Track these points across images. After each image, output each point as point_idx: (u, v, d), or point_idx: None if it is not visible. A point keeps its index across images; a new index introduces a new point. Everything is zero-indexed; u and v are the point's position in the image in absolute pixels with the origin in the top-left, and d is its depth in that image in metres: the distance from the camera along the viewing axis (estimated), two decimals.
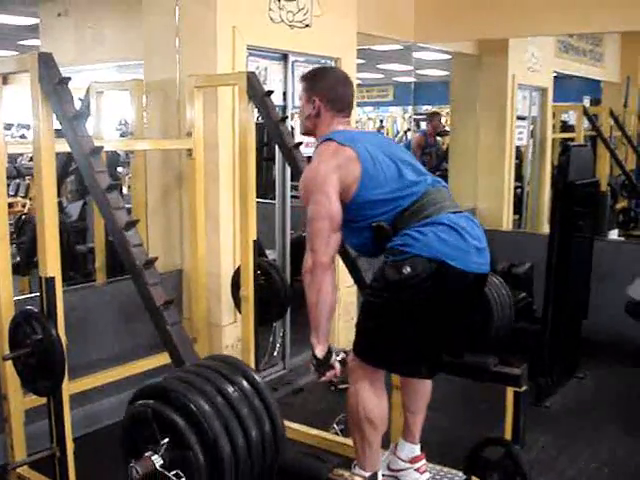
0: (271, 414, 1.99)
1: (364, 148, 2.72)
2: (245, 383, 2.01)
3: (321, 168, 2.68)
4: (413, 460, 3.07)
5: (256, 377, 2.05)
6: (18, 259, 5.78)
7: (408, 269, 2.54)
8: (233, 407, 1.92)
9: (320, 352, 2.74)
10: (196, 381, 1.97)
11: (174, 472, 1.86)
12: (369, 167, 2.67)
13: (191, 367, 2.14)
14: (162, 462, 1.87)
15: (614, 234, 7.30)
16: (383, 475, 3.05)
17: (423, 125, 16.48)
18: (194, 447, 1.83)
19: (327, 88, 2.90)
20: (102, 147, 2.72)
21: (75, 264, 5.79)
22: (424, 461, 3.10)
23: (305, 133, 3.02)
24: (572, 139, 8.30)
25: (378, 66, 14.09)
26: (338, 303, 5.24)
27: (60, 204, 5.82)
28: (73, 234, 6.02)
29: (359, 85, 9.50)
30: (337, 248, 2.73)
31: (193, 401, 1.88)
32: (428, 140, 9.75)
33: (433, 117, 10.02)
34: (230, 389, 1.96)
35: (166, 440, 1.86)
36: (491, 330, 3.65)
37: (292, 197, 5.08)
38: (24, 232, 5.97)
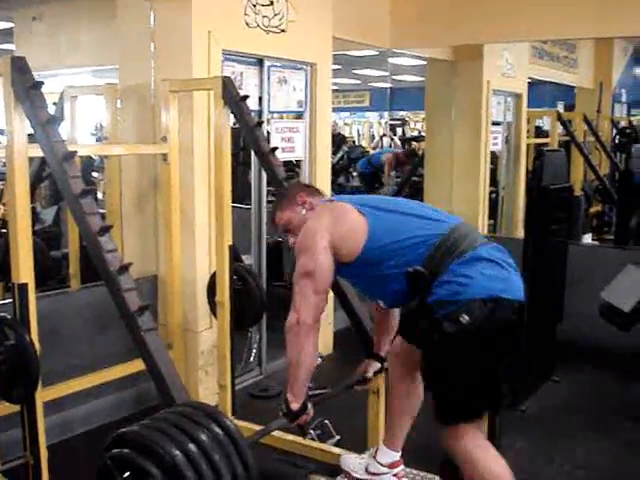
0: (244, 459, 1.99)
1: (364, 199, 2.75)
2: (217, 429, 2.01)
3: (310, 227, 2.66)
4: (392, 465, 3.07)
5: (227, 422, 2.06)
6: None
7: (466, 317, 2.41)
8: (206, 453, 1.93)
9: (295, 406, 2.69)
10: (168, 429, 1.97)
11: None
12: (376, 215, 2.62)
13: (163, 414, 2.12)
14: None
15: (588, 238, 7.37)
16: (359, 478, 3.06)
17: (399, 131, 16.65)
18: None
19: (298, 186, 3.03)
20: (75, 152, 2.70)
21: (49, 270, 5.73)
22: (402, 466, 3.11)
23: None
24: (546, 144, 8.38)
25: (354, 71, 14.13)
26: None
27: (34, 210, 5.77)
28: (47, 240, 5.96)
29: (335, 91, 9.51)
30: (323, 309, 2.65)
31: (166, 449, 1.88)
32: (399, 158, 10.07)
33: (409, 154, 10.49)
34: (202, 436, 1.96)
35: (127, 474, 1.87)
36: None
37: (268, 202, 5.08)
38: None
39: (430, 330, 2.46)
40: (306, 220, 2.75)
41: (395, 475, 3.07)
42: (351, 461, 3.19)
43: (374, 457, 3.10)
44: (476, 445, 2.57)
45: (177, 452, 1.86)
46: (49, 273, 5.43)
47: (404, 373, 2.97)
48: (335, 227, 2.61)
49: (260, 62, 4.65)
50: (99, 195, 6.74)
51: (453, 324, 2.41)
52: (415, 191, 9.16)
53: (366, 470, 3.10)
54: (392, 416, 3.08)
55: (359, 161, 11.41)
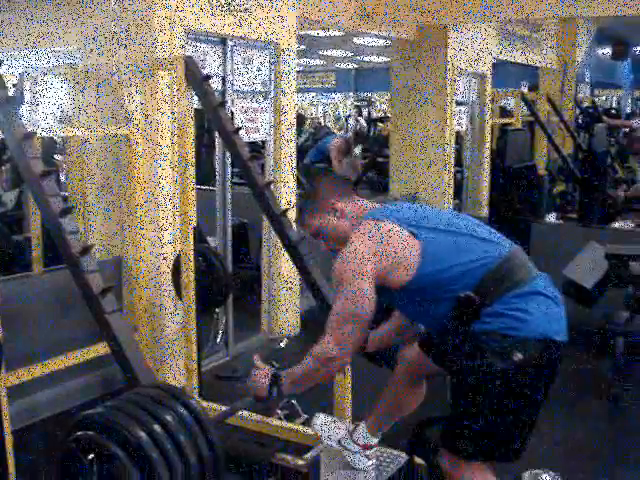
0: (209, 439, 1.99)
1: (417, 217, 2.45)
2: (182, 409, 2.00)
3: (351, 255, 2.35)
4: (366, 446, 3.06)
5: (192, 402, 2.05)
6: None
7: (519, 355, 2.24)
8: (171, 434, 1.92)
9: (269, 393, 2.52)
10: (133, 410, 1.95)
11: None
12: (431, 237, 2.37)
13: (127, 396, 2.11)
14: None
15: (552, 217, 7.43)
16: (330, 446, 3.05)
17: (364, 112, 16.64)
18: (132, 473, 1.83)
19: (329, 186, 2.61)
20: (35, 132, 2.66)
21: (11, 254, 5.67)
22: (375, 448, 3.09)
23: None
24: (510, 124, 8.44)
25: (319, 52, 14.06)
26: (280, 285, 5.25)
27: None
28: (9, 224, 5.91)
29: (300, 71, 9.45)
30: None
31: (130, 430, 1.87)
32: (349, 143, 9.76)
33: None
34: (167, 416, 1.95)
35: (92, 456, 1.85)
36: None
37: (233, 184, 5.07)
38: None
39: (475, 362, 2.30)
40: (337, 228, 2.53)
41: (366, 456, 3.07)
42: (325, 427, 3.14)
43: (351, 435, 3.08)
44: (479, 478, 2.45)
45: (142, 433, 1.85)
46: (11, 257, 5.38)
47: (410, 380, 2.92)
48: (382, 256, 2.34)
49: (223, 42, 4.61)
50: (62, 178, 6.68)
51: (504, 360, 2.25)
52: (380, 172, 9.17)
53: (339, 441, 3.09)
54: (383, 411, 3.01)
55: (309, 151, 10.28)
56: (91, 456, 1.85)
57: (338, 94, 19.96)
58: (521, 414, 2.37)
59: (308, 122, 14.82)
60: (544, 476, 3.23)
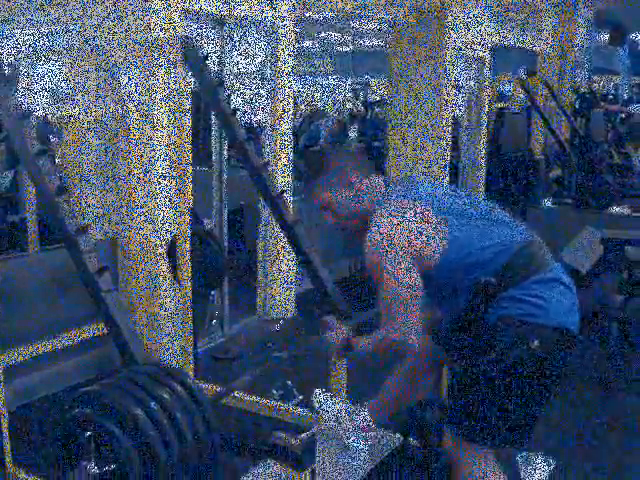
0: (206, 417, 2.01)
1: (441, 201, 2.39)
2: (179, 387, 2.02)
3: (390, 242, 2.25)
4: (365, 429, 3.05)
5: (189, 381, 2.07)
6: None
7: (536, 343, 2.22)
8: (167, 411, 1.93)
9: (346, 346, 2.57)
10: (131, 389, 1.97)
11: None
12: (457, 223, 2.32)
13: (124, 374, 2.12)
14: (98, 469, 1.87)
15: (548, 202, 7.44)
16: (328, 423, 3.05)
17: (361, 95, 16.60)
18: (130, 450, 1.84)
19: (346, 160, 2.50)
20: (30, 112, 2.66)
21: (6, 234, 5.67)
22: (372, 432, 3.08)
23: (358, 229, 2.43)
24: (507, 109, 8.43)
25: (317, 35, 14.00)
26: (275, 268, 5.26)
27: None
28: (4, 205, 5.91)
29: (297, 55, 9.39)
30: None
31: (127, 407, 1.88)
32: (341, 124, 9.74)
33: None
34: (164, 394, 1.96)
35: (89, 434, 1.86)
36: None
37: (232, 167, 5.07)
38: None
39: (490, 348, 2.27)
40: (350, 203, 2.43)
41: (363, 438, 3.05)
42: (325, 404, 3.12)
43: (351, 415, 3.05)
44: (484, 464, 2.41)
45: (139, 411, 1.86)
46: (7, 237, 5.39)
47: (426, 369, 2.90)
48: (413, 240, 2.26)
49: (220, 22, 4.59)
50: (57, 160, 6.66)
51: (519, 347, 2.23)
52: (377, 157, 9.14)
53: (337, 420, 3.08)
54: (392, 397, 2.99)
55: (303, 135, 10.39)
56: (88, 433, 1.86)
57: (335, 78, 19.90)
58: (531, 402, 2.34)
59: (304, 106, 14.76)
60: (537, 459, 3.25)
